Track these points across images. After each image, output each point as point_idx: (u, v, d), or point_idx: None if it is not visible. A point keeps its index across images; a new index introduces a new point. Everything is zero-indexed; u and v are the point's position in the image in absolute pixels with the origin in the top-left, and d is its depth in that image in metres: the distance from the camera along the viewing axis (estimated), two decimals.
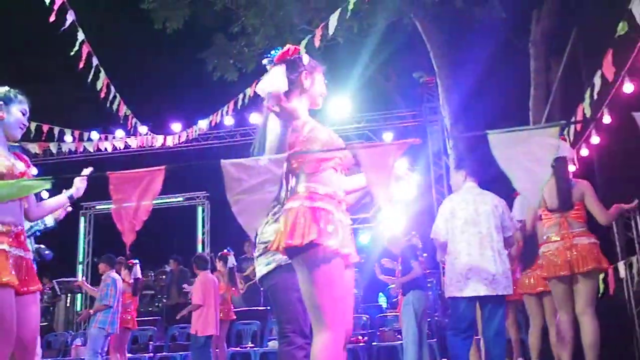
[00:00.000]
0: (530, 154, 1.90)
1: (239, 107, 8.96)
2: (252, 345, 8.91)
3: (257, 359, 8.61)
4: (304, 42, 6.75)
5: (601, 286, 6.78)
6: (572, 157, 4.91)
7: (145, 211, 2.12)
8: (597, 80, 5.37)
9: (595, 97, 5.31)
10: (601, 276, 6.74)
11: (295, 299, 3.17)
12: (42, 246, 5.05)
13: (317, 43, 6.53)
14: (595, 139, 5.80)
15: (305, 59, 2.92)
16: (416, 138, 2.02)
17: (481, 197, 4.59)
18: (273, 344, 8.86)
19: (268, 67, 2.88)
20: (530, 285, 6.05)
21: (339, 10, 5.89)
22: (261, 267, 3.37)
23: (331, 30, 5.97)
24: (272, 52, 2.89)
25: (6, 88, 3.27)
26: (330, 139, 2.76)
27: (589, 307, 4.66)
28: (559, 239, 4.72)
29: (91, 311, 7.34)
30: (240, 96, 8.73)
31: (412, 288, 6.73)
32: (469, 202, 4.56)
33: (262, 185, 2.00)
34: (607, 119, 5.43)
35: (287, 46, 2.89)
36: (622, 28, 4.68)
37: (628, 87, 4.88)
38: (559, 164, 4.66)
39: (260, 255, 3.38)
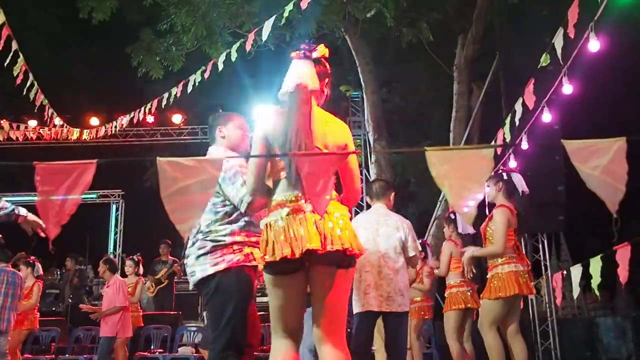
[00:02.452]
0: (465, 171, 1.94)
1: (162, 107, 8.75)
2: (162, 350, 8.66)
3: None
4: (235, 46, 6.69)
5: None
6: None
7: (73, 206, 2.02)
8: (519, 107, 5.59)
9: (517, 123, 5.52)
10: None
11: (234, 307, 3.11)
12: None
13: (248, 47, 6.49)
14: (512, 163, 6.04)
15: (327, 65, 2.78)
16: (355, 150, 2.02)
17: (385, 218, 4.71)
18: (184, 350, 8.67)
19: (295, 56, 2.68)
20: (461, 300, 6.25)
21: (274, 17, 5.87)
22: (205, 267, 3.18)
23: (264, 36, 5.94)
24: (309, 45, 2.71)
25: None
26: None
27: (508, 325, 5.07)
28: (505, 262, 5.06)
29: None
30: (166, 95, 8.53)
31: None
32: (372, 223, 4.68)
33: (199, 186, 1.94)
34: (524, 145, 5.66)
35: (322, 45, 2.73)
36: (544, 60, 4.89)
37: (547, 116, 5.11)
38: (521, 197, 5.05)
39: (206, 253, 3.19)
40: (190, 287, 3.43)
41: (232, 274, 3.14)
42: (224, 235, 3.21)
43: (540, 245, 9.40)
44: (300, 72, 2.60)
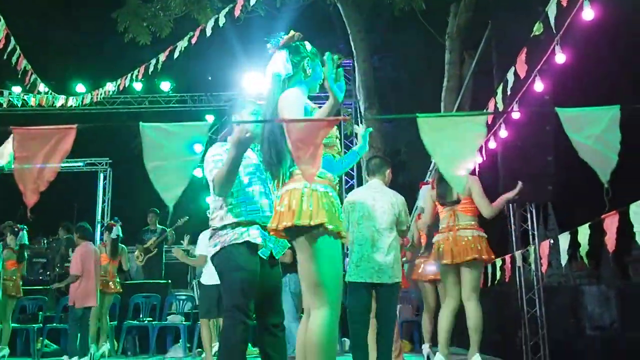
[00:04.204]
0: (457, 139, 1.90)
1: (149, 73, 8.60)
2: (151, 319, 8.66)
3: (156, 333, 8.37)
4: (224, 11, 6.56)
5: (498, 274, 7.15)
6: None
7: (52, 172, 1.95)
8: (510, 77, 5.53)
9: (509, 92, 5.47)
10: (498, 264, 7.10)
11: (237, 278, 3.35)
12: None
13: (237, 12, 6.37)
14: (503, 133, 6.00)
15: (308, 45, 3.11)
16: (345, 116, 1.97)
17: (380, 194, 4.84)
18: (173, 318, 8.67)
19: (270, 50, 3.08)
20: (425, 272, 6.38)
21: None
22: (210, 250, 3.55)
23: (252, 1, 5.81)
24: (276, 37, 3.08)
25: None
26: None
27: (472, 294, 5.09)
28: (445, 230, 5.19)
29: None
30: (153, 61, 8.38)
31: (290, 271, 6.90)
32: (367, 198, 4.82)
33: (183, 153, 1.88)
34: (516, 114, 5.61)
35: (292, 32, 3.07)
36: (537, 28, 4.82)
37: (539, 86, 5.05)
38: None
39: (210, 237, 3.59)
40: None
41: (225, 251, 3.43)
42: (218, 221, 3.52)
43: (529, 215, 9.41)
44: (273, 63, 3.03)
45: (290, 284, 7.10)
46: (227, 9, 6.45)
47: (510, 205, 8.63)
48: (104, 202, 14.00)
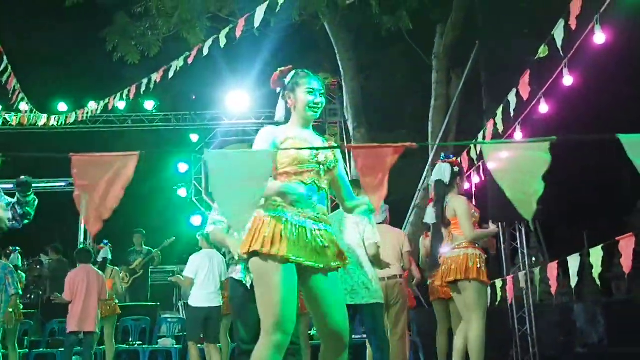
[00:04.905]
0: (522, 166, 1.91)
1: (142, 92, 8.53)
2: (141, 342, 8.49)
3: (146, 357, 8.22)
4: (224, 31, 6.55)
5: (498, 294, 7.19)
6: (448, 179, 5.21)
7: (115, 200, 1.91)
8: (512, 98, 5.60)
9: (512, 114, 5.53)
10: (499, 285, 7.14)
11: (234, 315, 3.86)
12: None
13: (238, 33, 6.36)
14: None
15: (288, 77, 3.09)
16: (411, 143, 1.96)
17: (346, 215, 4.79)
18: (163, 342, 8.52)
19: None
20: (434, 291, 6.37)
21: (267, 2, 5.75)
22: None
23: (257, 22, 5.81)
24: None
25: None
26: (299, 154, 2.85)
27: (467, 314, 5.03)
28: (443, 251, 5.16)
29: None
30: (145, 81, 8.31)
31: None
32: (334, 220, 4.72)
33: (250, 180, 1.85)
34: (519, 135, 5.68)
35: (273, 74, 3.12)
36: (543, 51, 4.90)
37: (543, 108, 5.13)
38: (436, 185, 5.14)
39: None
40: None
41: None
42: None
43: (518, 234, 9.51)
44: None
45: None
46: (227, 29, 6.44)
47: (500, 224, 8.73)
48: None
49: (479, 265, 5.00)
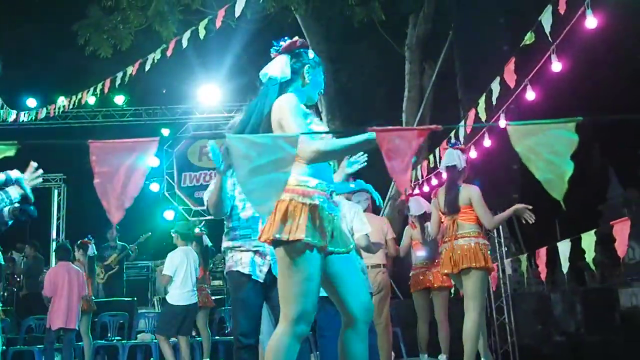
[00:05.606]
0: (549, 146, 1.91)
1: (117, 86, 8.38)
2: (120, 337, 8.38)
3: (126, 353, 8.10)
4: (203, 23, 6.47)
5: None
6: (463, 166, 5.22)
7: (136, 187, 1.86)
8: (496, 86, 5.64)
9: (495, 102, 5.58)
10: None
11: (237, 308, 3.64)
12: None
13: (218, 23, 6.29)
14: (487, 142, 6.11)
15: (311, 53, 3.08)
16: (437, 125, 1.96)
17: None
18: (143, 337, 8.42)
19: (273, 55, 3.03)
20: (418, 281, 6.39)
21: None
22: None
23: (237, 12, 5.75)
24: (280, 42, 3.05)
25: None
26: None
27: (470, 303, 5.00)
28: (447, 239, 5.17)
29: None
30: (120, 74, 8.17)
31: None
32: None
33: (275, 165, 1.82)
34: (502, 123, 5.71)
35: (295, 38, 3.04)
36: (529, 38, 4.94)
37: (530, 95, 5.17)
38: (449, 171, 5.16)
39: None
40: None
41: (228, 277, 3.75)
42: (223, 243, 3.76)
43: None
44: (271, 65, 2.99)
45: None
46: (206, 20, 6.36)
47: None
48: (58, 219, 13.51)
49: (487, 255, 5.09)
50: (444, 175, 5.46)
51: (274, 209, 2.60)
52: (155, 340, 8.21)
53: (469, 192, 5.11)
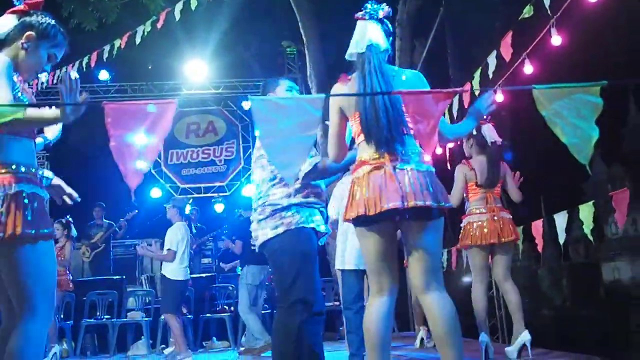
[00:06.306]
0: (575, 110, 1.87)
1: (104, 60, 8.20)
2: (109, 316, 8.29)
3: (116, 331, 8.03)
4: None
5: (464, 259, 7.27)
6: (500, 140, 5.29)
7: (154, 150, 1.79)
8: (492, 60, 5.61)
9: (491, 76, 5.54)
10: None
11: (307, 269, 3.22)
12: None
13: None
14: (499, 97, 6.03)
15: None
16: (462, 88, 1.91)
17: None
18: (133, 315, 8.36)
19: (359, 18, 2.86)
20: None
21: None
22: (267, 230, 3.30)
23: None
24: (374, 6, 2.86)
25: (50, 20, 2.65)
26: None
27: (508, 274, 5.14)
28: (485, 211, 5.14)
29: None
30: (107, 47, 7.99)
31: (248, 263, 7.21)
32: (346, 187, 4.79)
33: (300, 128, 1.75)
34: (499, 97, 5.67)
35: (384, 5, 2.88)
36: (527, 11, 4.90)
37: (528, 69, 5.14)
38: (493, 147, 5.18)
39: (266, 217, 3.30)
40: (257, 250, 3.50)
41: (292, 234, 3.23)
42: (281, 199, 3.25)
43: None
44: (371, 33, 2.76)
45: (247, 276, 7.12)
46: None
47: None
48: None
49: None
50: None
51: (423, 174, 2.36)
52: (147, 319, 8.18)
53: (505, 168, 5.25)
